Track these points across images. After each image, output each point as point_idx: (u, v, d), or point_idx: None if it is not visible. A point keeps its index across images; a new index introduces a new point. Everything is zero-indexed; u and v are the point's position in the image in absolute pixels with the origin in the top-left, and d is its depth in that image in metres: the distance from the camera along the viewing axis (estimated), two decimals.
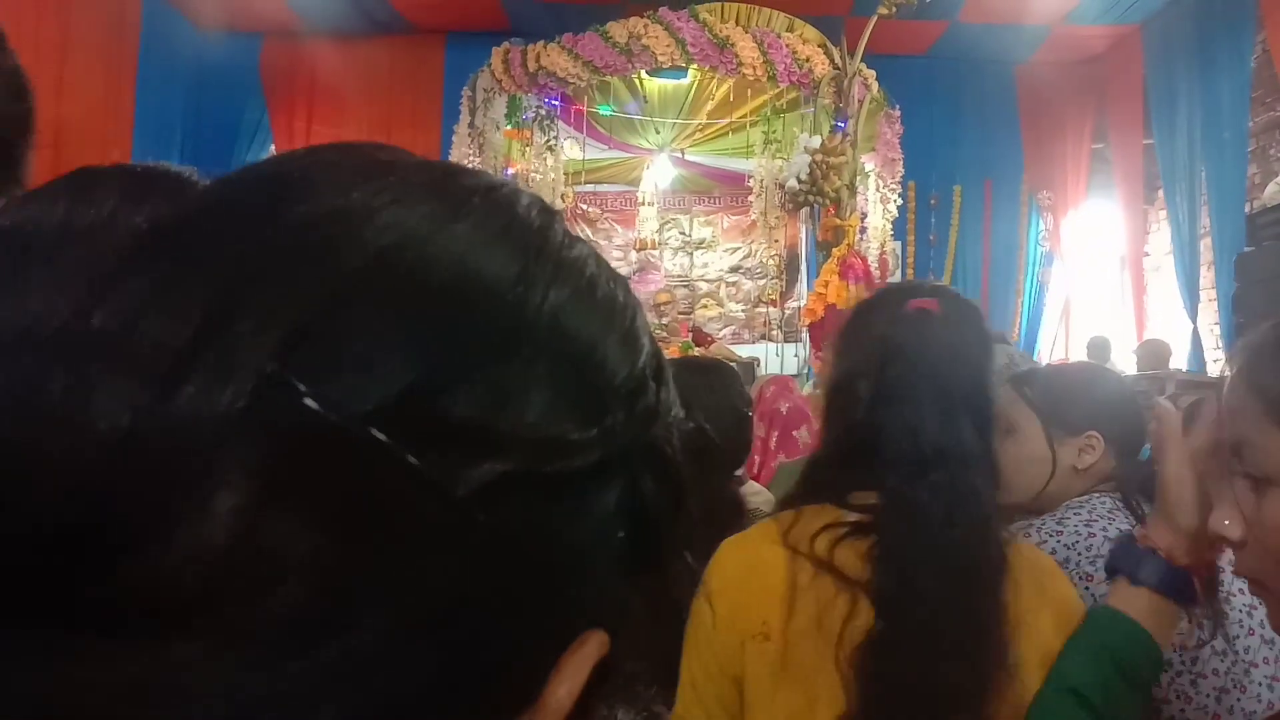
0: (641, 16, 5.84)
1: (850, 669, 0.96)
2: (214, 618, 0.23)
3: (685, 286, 9.49)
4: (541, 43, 6.08)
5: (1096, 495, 1.51)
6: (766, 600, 1.02)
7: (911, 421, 1.04)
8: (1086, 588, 1.39)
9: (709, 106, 7.08)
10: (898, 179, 6.52)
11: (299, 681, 0.24)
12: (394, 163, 0.30)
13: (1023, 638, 1.00)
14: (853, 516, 1.05)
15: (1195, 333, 6.75)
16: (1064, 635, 1.04)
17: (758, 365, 6.85)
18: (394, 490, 0.25)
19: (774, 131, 7.09)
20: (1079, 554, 1.42)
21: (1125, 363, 6.93)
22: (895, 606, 0.98)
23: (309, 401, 0.24)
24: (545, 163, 6.92)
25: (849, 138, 5.51)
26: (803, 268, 8.65)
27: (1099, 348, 6.82)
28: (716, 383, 1.85)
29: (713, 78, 6.34)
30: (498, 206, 0.30)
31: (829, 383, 1.16)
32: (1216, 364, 6.33)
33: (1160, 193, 7.52)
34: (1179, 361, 6.45)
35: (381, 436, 0.24)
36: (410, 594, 0.25)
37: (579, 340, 0.29)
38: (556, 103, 6.72)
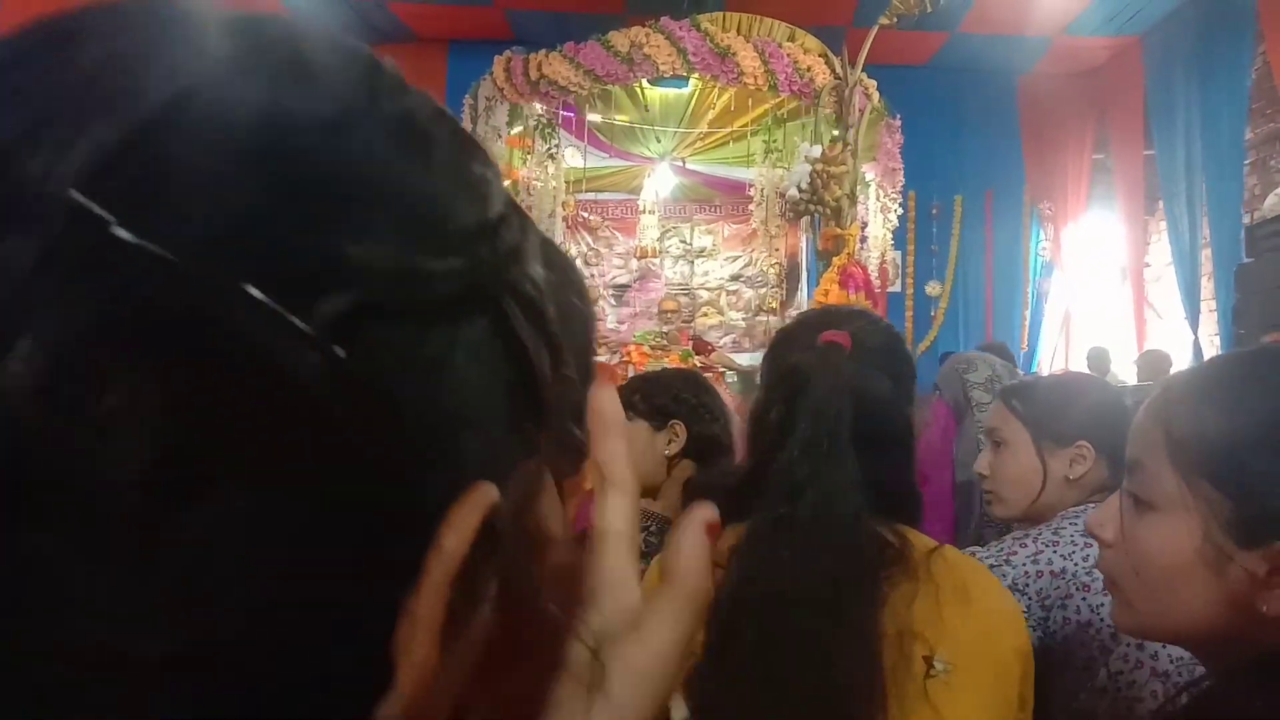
0: (643, 26, 5.85)
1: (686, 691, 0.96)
2: (42, 491, 0.21)
3: (686, 295, 9.48)
4: (543, 51, 6.09)
5: (1092, 505, 1.51)
6: None
7: (789, 457, 1.05)
8: (1084, 598, 1.40)
9: (710, 115, 7.09)
10: (898, 188, 6.52)
11: (152, 559, 0.22)
12: (189, 7, 0.28)
13: (944, 644, 1.00)
14: None
15: (1196, 343, 6.75)
16: (992, 642, 1.04)
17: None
18: (233, 326, 0.22)
19: (775, 141, 7.11)
20: (1075, 564, 1.42)
21: (1126, 373, 6.94)
22: (727, 630, 0.98)
23: (120, 232, 0.22)
24: (546, 171, 6.93)
25: (849, 147, 5.51)
26: (803, 276, 8.65)
27: (1098, 358, 6.83)
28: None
29: (714, 87, 6.35)
30: (312, 48, 0.28)
31: (750, 411, 1.16)
32: None
33: (1161, 204, 7.54)
34: None
35: (207, 265, 0.22)
36: (268, 447, 0.23)
37: (421, 182, 0.28)
38: (570, 114, 6.72)
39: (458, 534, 0.27)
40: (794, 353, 1.14)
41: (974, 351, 2.93)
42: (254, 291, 0.22)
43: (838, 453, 1.04)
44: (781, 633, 0.98)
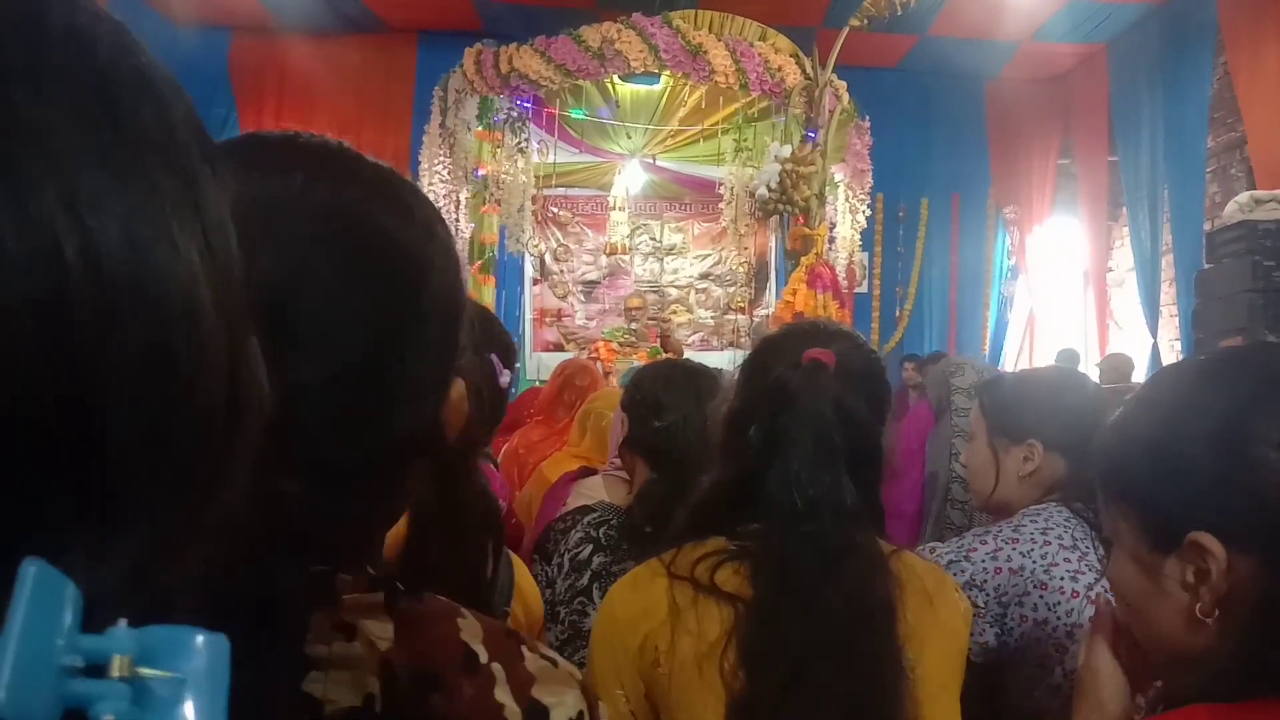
0: (615, 21, 5.85)
1: (732, 681, 0.99)
2: None
3: (655, 292, 9.50)
4: (514, 45, 6.06)
5: (1054, 504, 1.53)
6: (655, 630, 1.05)
7: (792, 471, 1.07)
8: (1041, 596, 1.41)
9: (681, 113, 7.10)
10: (866, 190, 6.57)
11: None
12: None
13: (911, 644, 1.04)
14: (735, 545, 1.08)
15: (1155, 348, 6.86)
16: (956, 640, 1.11)
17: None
18: None
19: (745, 140, 7.13)
20: (1034, 561, 1.43)
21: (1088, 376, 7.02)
22: (766, 664, 1.01)
23: None
24: (516, 165, 6.90)
25: (819, 148, 5.54)
26: (772, 276, 8.70)
27: (1067, 361, 6.90)
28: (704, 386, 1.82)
29: (685, 84, 6.36)
30: None
31: (725, 420, 1.17)
32: None
33: (1124, 209, 7.64)
34: (1141, 376, 6.55)
35: None
36: None
37: None
38: (528, 105, 6.71)
39: None
40: (776, 366, 1.15)
41: (966, 357, 2.97)
42: None
43: (838, 469, 1.08)
44: (821, 643, 1.00)
